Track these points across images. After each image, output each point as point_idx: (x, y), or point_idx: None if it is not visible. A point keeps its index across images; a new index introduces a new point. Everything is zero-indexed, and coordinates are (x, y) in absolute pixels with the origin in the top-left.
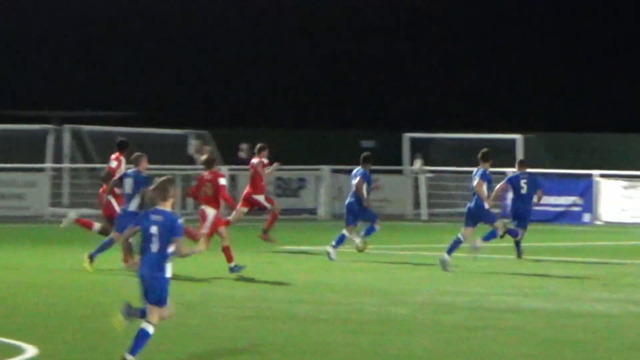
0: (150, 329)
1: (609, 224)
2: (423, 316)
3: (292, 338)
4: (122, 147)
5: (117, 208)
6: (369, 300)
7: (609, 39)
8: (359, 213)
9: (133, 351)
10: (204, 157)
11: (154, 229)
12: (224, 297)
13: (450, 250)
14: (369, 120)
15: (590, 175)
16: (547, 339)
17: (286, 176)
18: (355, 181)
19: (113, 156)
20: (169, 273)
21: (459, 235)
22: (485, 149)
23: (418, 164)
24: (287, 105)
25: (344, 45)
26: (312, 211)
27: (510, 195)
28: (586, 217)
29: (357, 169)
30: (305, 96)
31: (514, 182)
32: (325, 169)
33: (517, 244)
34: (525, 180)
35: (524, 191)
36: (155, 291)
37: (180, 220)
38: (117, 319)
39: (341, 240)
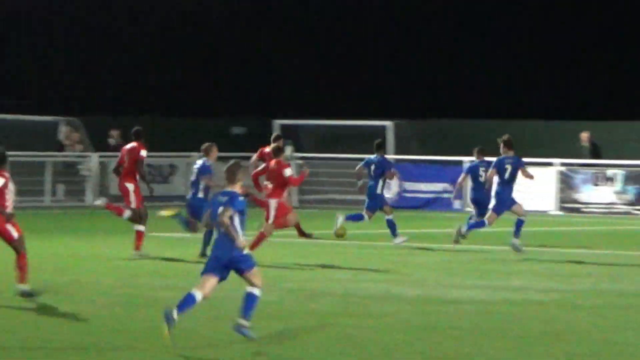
0: (258, 292)
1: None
2: (291, 303)
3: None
4: (138, 135)
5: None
6: (237, 287)
7: (476, 25)
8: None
9: (246, 314)
10: (272, 146)
11: (221, 210)
12: (92, 284)
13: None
14: (239, 107)
15: (460, 162)
16: (418, 326)
17: (157, 163)
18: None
19: (129, 146)
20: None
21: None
22: (506, 136)
23: (288, 150)
24: (157, 92)
25: (212, 31)
26: (183, 197)
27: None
28: (457, 204)
29: (373, 157)
30: (175, 83)
31: (473, 171)
32: (196, 155)
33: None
34: (483, 168)
35: (482, 179)
36: (240, 263)
37: (242, 199)
38: (164, 334)
39: (393, 227)
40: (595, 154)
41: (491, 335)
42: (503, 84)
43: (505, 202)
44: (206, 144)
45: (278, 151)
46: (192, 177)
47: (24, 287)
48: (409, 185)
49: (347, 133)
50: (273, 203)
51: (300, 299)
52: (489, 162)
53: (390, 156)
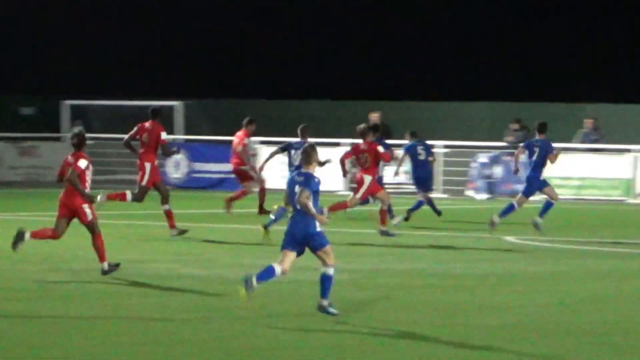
0: (331, 271)
1: (271, 190)
2: (77, 283)
3: None
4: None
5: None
6: (29, 267)
7: (267, 8)
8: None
9: (325, 295)
10: (360, 127)
11: (297, 189)
12: None
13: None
14: (28, 87)
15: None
16: (207, 305)
17: None
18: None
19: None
20: (319, 227)
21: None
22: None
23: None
24: None
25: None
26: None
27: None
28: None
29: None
30: None
31: (411, 151)
32: None
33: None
34: (422, 147)
35: (422, 157)
36: (314, 241)
37: (317, 180)
38: (240, 293)
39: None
40: (386, 134)
41: (274, 314)
42: (295, 64)
43: (534, 184)
44: (302, 125)
45: (368, 131)
46: (296, 162)
47: (104, 265)
48: (199, 166)
49: (136, 113)
50: (367, 179)
51: (87, 279)
52: (425, 143)
53: (180, 136)
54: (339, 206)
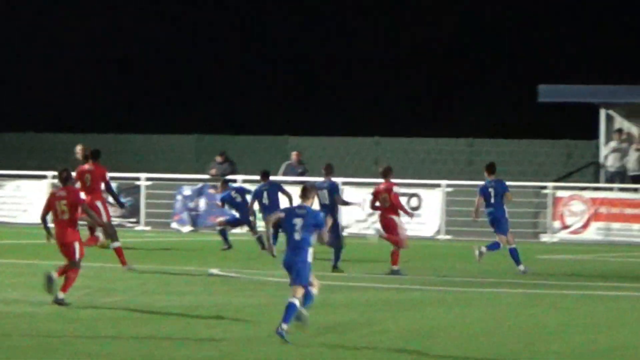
0: (297, 302)
1: None
2: None
3: None
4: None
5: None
6: None
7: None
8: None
9: (286, 320)
10: (381, 168)
11: (297, 221)
12: None
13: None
14: None
15: None
16: None
17: None
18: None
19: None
20: (310, 258)
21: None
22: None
23: None
24: None
25: None
26: None
27: None
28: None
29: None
30: None
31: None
32: None
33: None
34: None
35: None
36: (300, 272)
37: (322, 215)
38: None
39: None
40: None
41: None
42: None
43: (504, 221)
44: (328, 164)
45: (387, 173)
46: (324, 201)
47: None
48: None
49: None
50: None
51: None
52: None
53: None
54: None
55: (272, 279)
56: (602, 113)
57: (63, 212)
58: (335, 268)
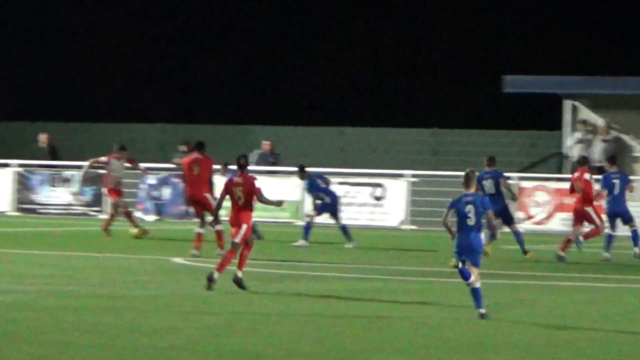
0: (478, 284)
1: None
2: None
3: None
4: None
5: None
6: None
7: None
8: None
9: (479, 305)
10: (578, 157)
11: (469, 208)
12: None
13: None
14: None
15: None
16: None
17: None
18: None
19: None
20: (482, 241)
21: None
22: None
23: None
24: None
25: None
26: None
27: None
28: None
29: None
30: None
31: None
32: None
33: None
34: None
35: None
36: (475, 256)
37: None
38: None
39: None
40: (54, 156)
41: None
42: None
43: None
44: (490, 156)
45: (584, 161)
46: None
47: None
48: None
49: None
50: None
51: None
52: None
53: None
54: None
55: (233, 268)
56: (567, 104)
57: (239, 198)
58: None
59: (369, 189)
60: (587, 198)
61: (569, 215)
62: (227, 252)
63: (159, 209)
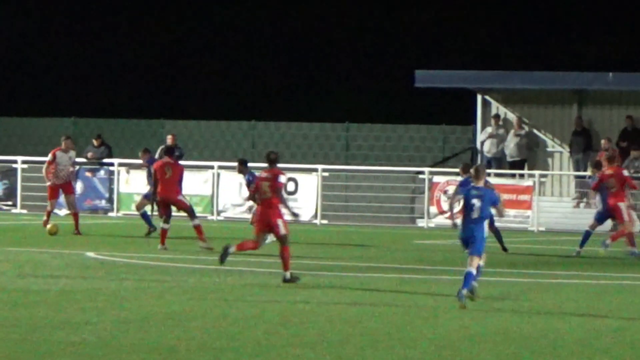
0: (474, 271)
1: None
2: None
3: None
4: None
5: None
6: None
7: None
8: None
9: (465, 285)
10: (607, 154)
11: (475, 201)
12: None
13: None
14: None
15: None
16: None
17: None
18: None
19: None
20: (486, 233)
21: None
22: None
23: None
24: None
25: None
26: None
27: None
28: None
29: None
30: None
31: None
32: None
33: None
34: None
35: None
36: (478, 245)
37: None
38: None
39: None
40: None
41: None
42: None
43: None
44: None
45: (612, 159)
46: None
47: (286, 274)
48: None
49: None
50: (623, 206)
51: None
52: None
53: None
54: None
55: (147, 262)
56: (479, 98)
57: (265, 192)
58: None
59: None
60: (621, 194)
61: None
62: (250, 241)
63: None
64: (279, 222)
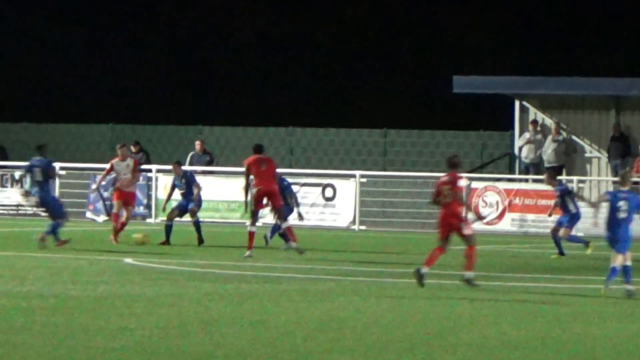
0: (618, 266)
1: None
2: None
3: None
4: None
5: None
6: None
7: None
8: None
9: (627, 280)
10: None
11: (622, 203)
12: None
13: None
14: None
15: None
16: None
17: None
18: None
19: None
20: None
21: None
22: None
23: None
24: None
25: None
26: None
27: None
28: None
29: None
30: None
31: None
32: None
33: None
34: None
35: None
36: (624, 244)
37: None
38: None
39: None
40: (3, 156)
41: None
42: None
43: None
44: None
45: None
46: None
47: (469, 274)
48: None
49: None
50: None
51: None
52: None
53: None
54: None
55: (184, 269)
56: (517, 104)
57: (446, 196)
58: None
59: (318, 190)
60: None
61: (519, 215)
62: (435, 249)
63: (109, 209)
64: (462, 224)
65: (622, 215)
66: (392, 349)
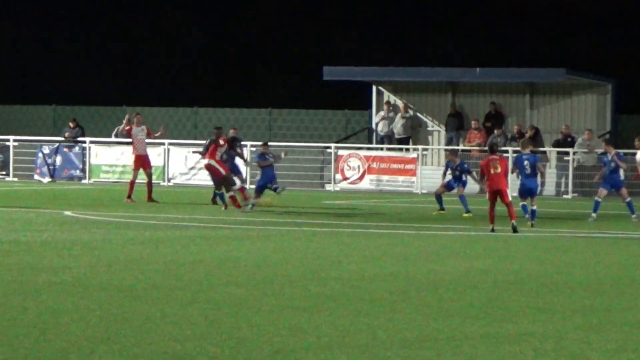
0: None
1: None
2: None
3: None
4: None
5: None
6: None
7: None
8: None
9: (533, 219)
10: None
11: (526, 163)
12: None
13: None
14: None
15: None
16: None
17: None
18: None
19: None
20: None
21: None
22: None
23: None
24: None
25: None
26: None
27: None
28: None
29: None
30: None
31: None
32: None
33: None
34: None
35: None
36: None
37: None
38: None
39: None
40: None
41: None
42: None
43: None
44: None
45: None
46: None
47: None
48: None
49: None
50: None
51: None
52: None
53: None
54: None
55: (112, 220)
56: (374, 89)
57: (496, 168)
58: None
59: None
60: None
61: (376, 176)
62: (510, 207)
63: (52, 172)
64: (507, 190)
65: (527, 171)
66: (277, 282)
